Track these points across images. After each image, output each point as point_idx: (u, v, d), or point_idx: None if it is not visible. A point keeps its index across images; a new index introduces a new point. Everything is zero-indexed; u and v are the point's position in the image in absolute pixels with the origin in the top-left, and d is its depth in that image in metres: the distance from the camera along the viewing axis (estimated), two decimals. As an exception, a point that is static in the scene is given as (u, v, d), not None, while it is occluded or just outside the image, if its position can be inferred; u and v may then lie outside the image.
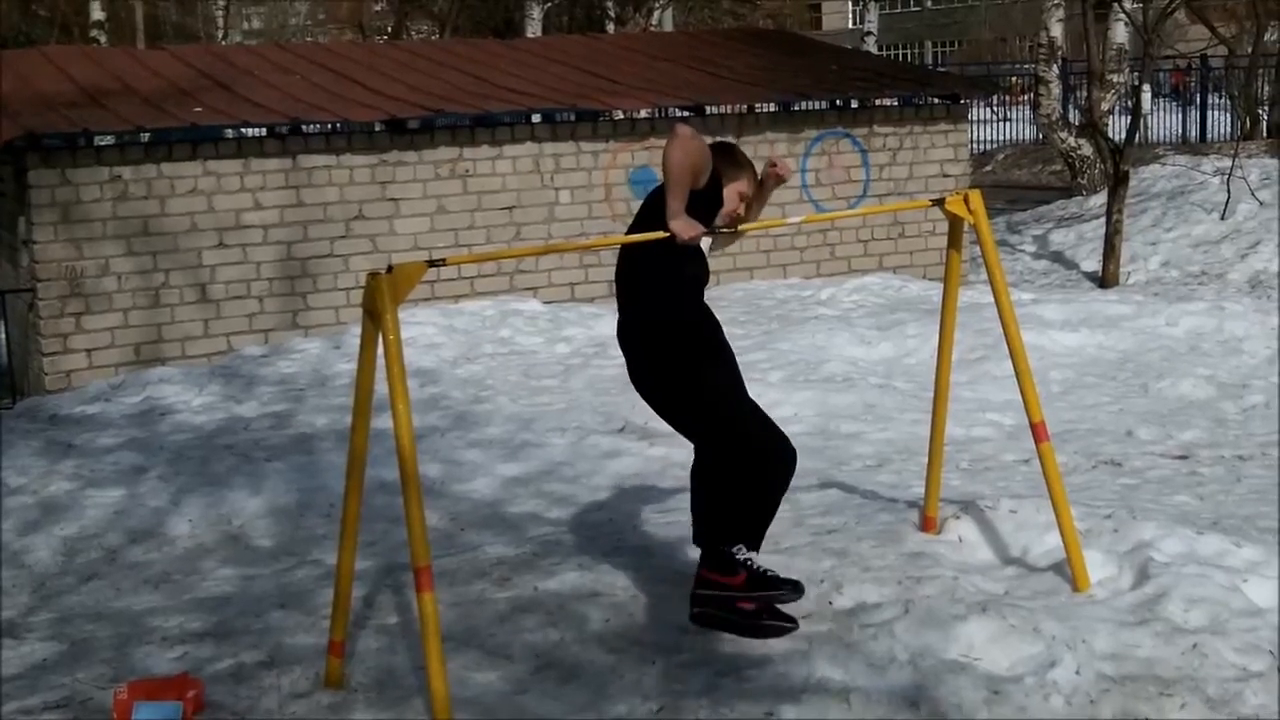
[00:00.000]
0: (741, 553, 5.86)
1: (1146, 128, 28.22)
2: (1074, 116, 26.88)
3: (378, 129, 13.82)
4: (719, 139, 6.49)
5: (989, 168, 29.62)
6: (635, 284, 6.10)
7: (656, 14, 30.54)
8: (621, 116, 14.73)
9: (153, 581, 7.78)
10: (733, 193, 6.21)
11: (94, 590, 7.68)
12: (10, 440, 10.22)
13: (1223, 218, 18.58)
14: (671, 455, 9.23)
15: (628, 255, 6.11)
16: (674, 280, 6.03)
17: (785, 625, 5.90)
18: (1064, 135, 23.16)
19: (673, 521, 7.78)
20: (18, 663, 6.49)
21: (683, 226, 5.74)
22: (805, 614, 6.31)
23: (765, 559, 6.72)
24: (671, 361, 5.97)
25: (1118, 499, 8.10)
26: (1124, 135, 18.63)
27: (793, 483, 8.42)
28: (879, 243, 16.22)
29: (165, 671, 6.17)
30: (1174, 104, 34.81)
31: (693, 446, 6.08)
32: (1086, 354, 12.34)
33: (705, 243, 6.00)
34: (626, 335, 6.11)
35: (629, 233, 6.10)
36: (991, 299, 6.75)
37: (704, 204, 5.93)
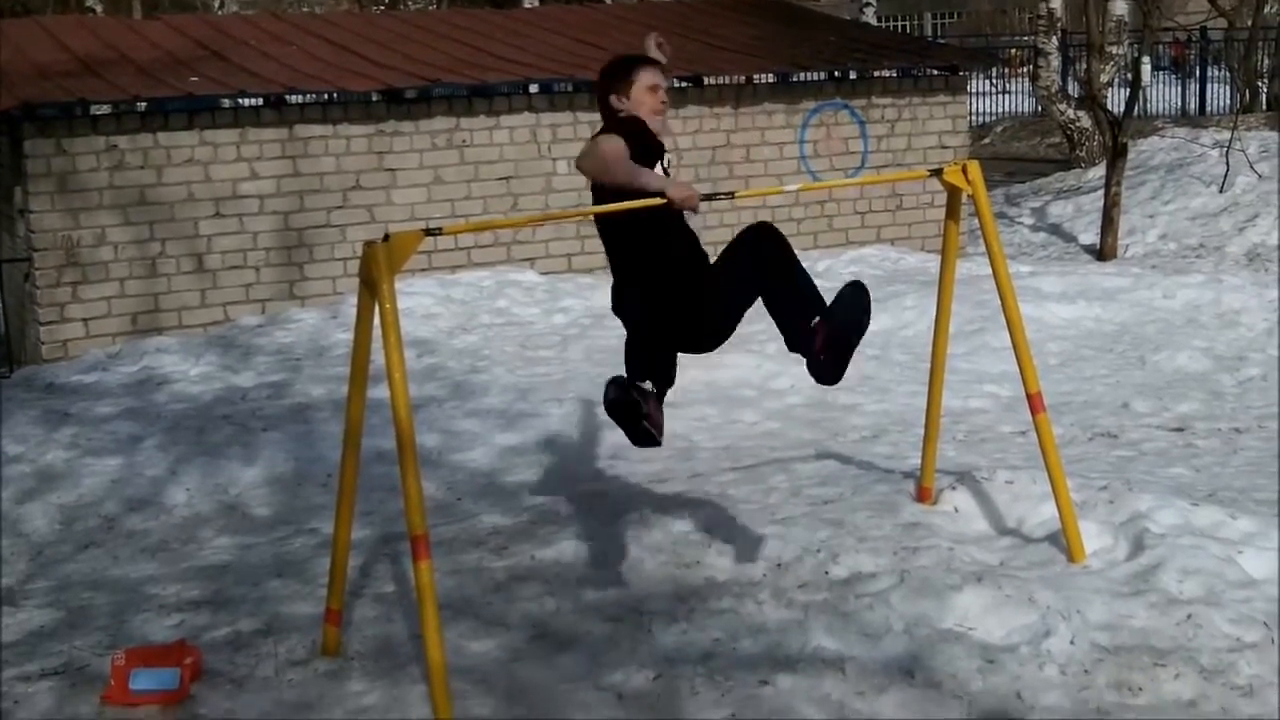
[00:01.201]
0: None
1: (1145, 100, 28.17)
2: (1073, 89, 26.85)
3: (374, 99, 13.79)
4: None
5: (987, 140, 29.59)
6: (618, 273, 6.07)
7: (655, -16, 30.42)
8: (619, 87, 14.68)
9: (150, 550, 7.79)
10: (641, 92, 6.09)
11: (92, 558, 7.70)
12: (8, 409, 10.22)
13: (1221, 190, 18.54)
14: (670, 427, 9.22)
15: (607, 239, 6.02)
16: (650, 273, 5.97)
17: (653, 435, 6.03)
18: (1063, 108, 23.12)
19: (669, 492, 7.79)
20: (16, 629, 6.51)
21: (680, 189, 5.62)
22: (801, 583, 6.33)
23: (765, 530, 6.77)
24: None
25: (1113, 470, 8.12)
26: (1123, 108, 18.57)
27: (789, 453, 8.47)
28: (876, 214, 16.20)
29: (163, 639, 6.19)
30: (1173, 76, 34.76)
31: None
32: (1084, 326, 12.35)
33: (695, 220, 5.95)
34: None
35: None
36: (989, 271, 6.75)
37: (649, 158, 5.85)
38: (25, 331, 13.44)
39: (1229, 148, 19.08)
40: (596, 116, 14.84)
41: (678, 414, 9.46)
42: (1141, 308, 12.82)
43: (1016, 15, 54.82)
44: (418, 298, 12.88)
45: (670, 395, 9.86)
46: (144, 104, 12.89)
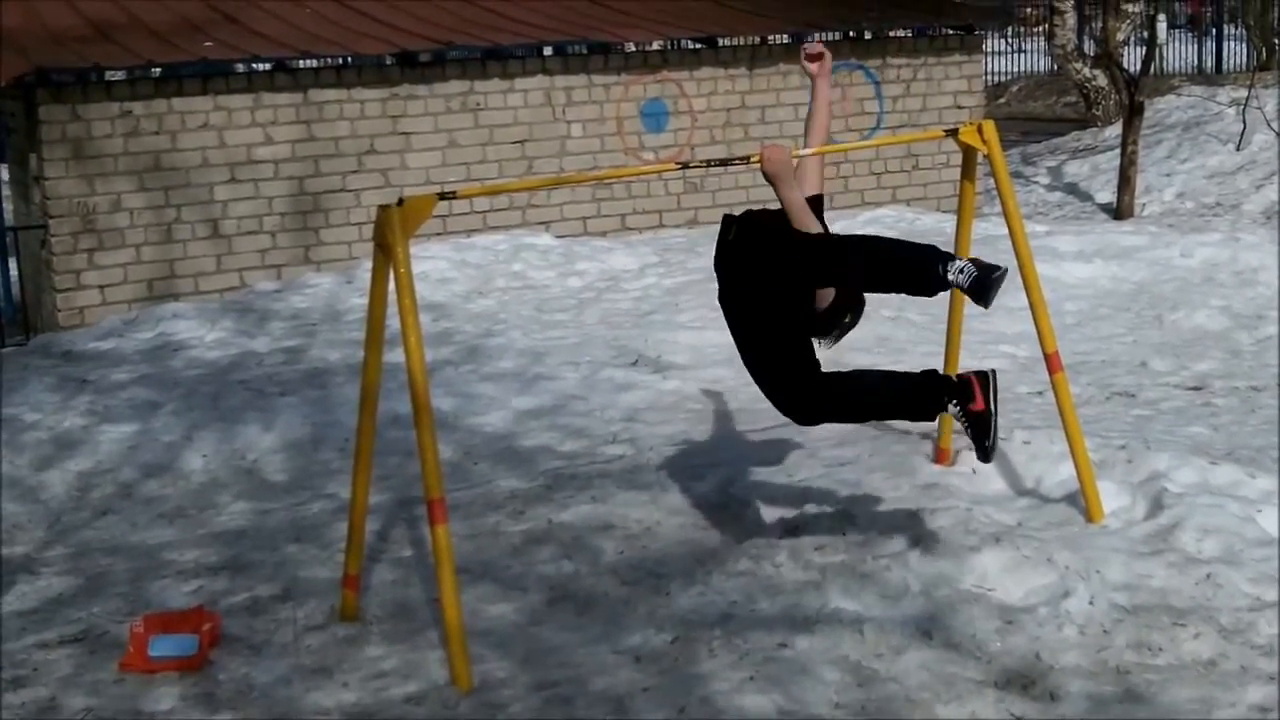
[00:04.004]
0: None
1: (1162, 58, 28.01)
2: (1089, 47, 26.71)
3: (388, 62, 13.75)
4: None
5: (1003, 100, 29.44)
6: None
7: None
8: (633, 49, 14.64)
9: (168, 516, 7.81)
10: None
11: (109, 525, 7.71)
12: (24, 376, 10.24)
13: (1238, 149, 18.46)
14: (684, 389, 9.24)
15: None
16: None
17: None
18: (1079, 66, 22.99)
19: (685, 453, 7.79)
20: (34, 596, 6.52)
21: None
22: (819, 545, 6.32)
23: (782, 491, 6.76)
24: None
25: (1131, 430, 8.10)
26: (1139, 66, 18.49)
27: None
28: (892, 175, 16.14)
29: (181, 605, 6.21)
30: (1189, 34, 34.57)
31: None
32: (1101, 285, 12.30)
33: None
34: None
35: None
36: (1005, 231, 6.72)
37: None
38: (41, 299, 13.46)
39: (1246, 106, 18.99)
40: (611, 78, 14.81)
41: (693, 376, 9.47)
42: (1159, 266, 12.76)
43: (1032, -27, 54.47)
44: (433, 261, 12.87)
45: (686, 358, 9.89)
46: (158, 69, 12.87)
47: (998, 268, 5.68)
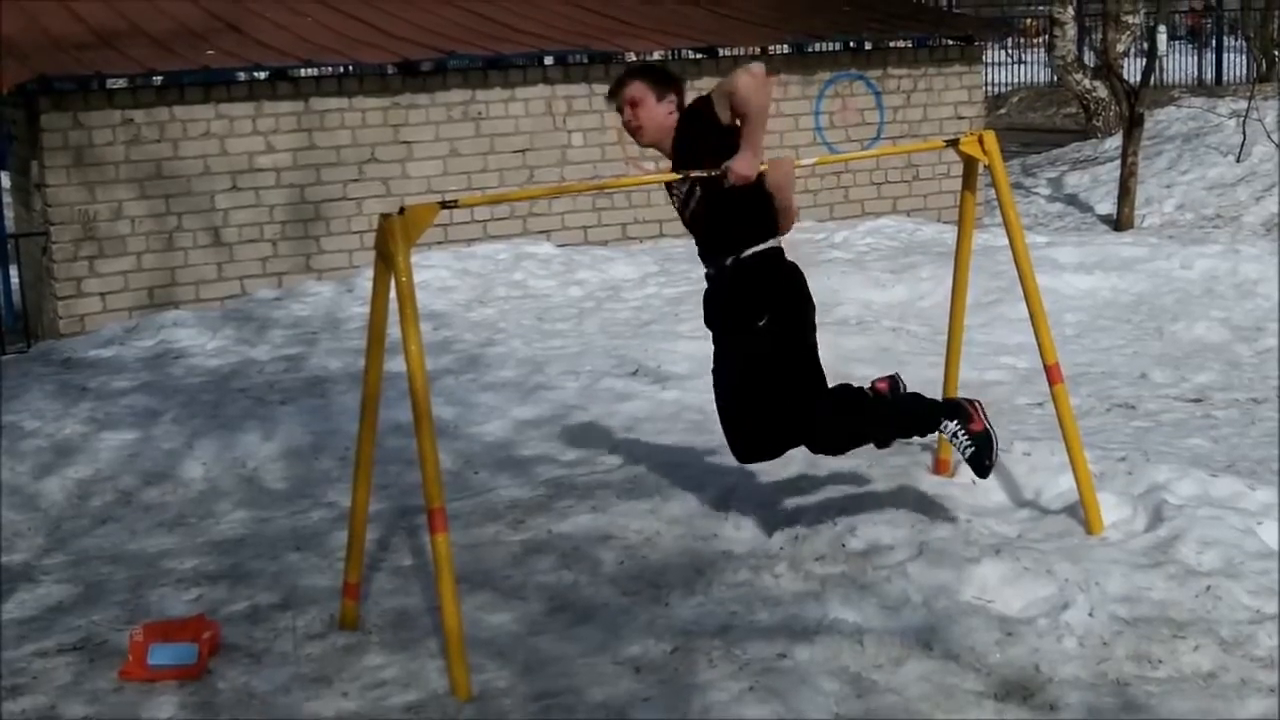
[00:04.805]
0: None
1: (1162, 70, 28.08)
2: (1089, 58, 26.74)
3: (390, 71, 13.77)
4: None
5: (1003, 110, 29.49)
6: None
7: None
8: (634, 58, 14.66)
9: (167, 524, 7.80)
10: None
11: (109, 533, 7.71)
12: (25, 383, 10.23)
13: (1238, 160, 18.48)
14: (684, 399, 9.23)
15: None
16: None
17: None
18: (1079, 77, 23.03)
19: (685, 463, 7.78)
20: (33, 604, 6.51)
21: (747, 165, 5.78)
22: (818, 556, 6.32)
23: (782, 502, 6.75)
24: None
25: (1131, 441, 8.10)
26: (1139, 77, 18.52)
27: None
28: (893, 185, 16.17)
29: (181, 613, 6.20)
30: (1190, 46, 34.64)
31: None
32: (1101, 297, 12.31)
33: None
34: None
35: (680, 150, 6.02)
36: (1005, 242, 6.73)
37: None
38: (42, 306, 13.47)
39: (1245, 117, 19.02)
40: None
41: (693, 386, 9.46)
42: (1159, 278, 12.77)
43: (1032, -16, 54.48)
44: (434, 270, 12.87)
45: (686, 368, 9.89)
46: (160, 77, 12.90)
47: (992, 454, 6.01)
